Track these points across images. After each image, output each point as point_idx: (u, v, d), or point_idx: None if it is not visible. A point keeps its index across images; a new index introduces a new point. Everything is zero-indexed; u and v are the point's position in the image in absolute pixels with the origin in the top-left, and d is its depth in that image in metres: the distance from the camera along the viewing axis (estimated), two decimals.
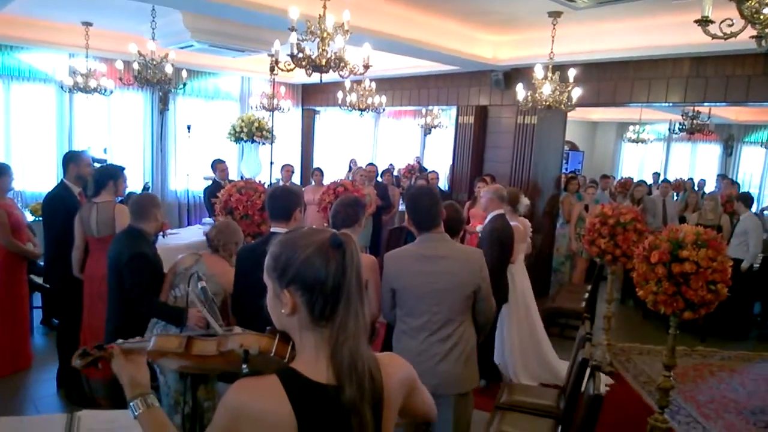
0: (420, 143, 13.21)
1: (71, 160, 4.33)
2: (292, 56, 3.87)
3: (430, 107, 10.91)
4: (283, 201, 2.91)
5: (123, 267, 3.21)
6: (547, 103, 5.71)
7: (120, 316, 3.34)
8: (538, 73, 5.63)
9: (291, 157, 9.96)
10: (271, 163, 7.86)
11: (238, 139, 9.15)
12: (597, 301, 6.52)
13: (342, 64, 3.93)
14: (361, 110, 7.65)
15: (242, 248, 3.17)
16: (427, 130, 12.65)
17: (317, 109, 11.16)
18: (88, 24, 7.23)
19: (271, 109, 8.71)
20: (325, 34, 3.88)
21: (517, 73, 7.25)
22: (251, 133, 9.02)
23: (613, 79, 6.74)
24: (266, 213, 5.07)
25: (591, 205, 7.38)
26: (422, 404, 1.43)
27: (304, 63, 3.86)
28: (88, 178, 4.12)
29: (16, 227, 4.52)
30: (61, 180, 4.39)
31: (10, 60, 7.79)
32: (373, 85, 7.66)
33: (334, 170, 10.35)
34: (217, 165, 7.33)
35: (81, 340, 4.15)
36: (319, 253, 1.18)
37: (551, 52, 5.81)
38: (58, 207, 4.24)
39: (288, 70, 4.01)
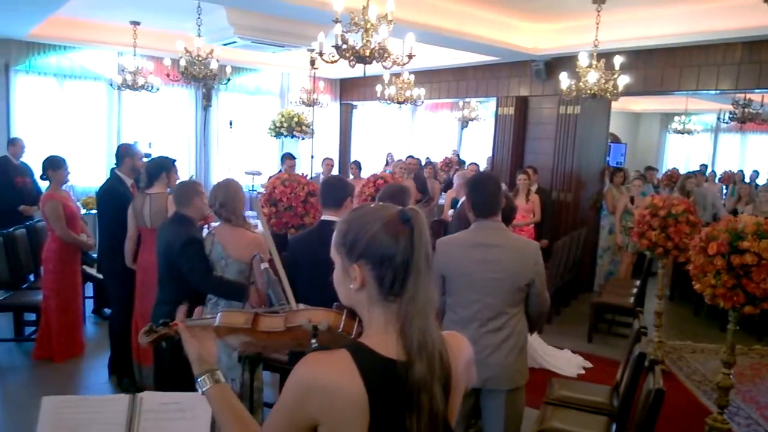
0: (457, 136, 13.14)
1: (127, 152, 4.45)
2: (337, 47, 3.89)
3: (468, 99, 10.82)
4: (337, 189, 2.92)
5: (176, 253, 3.26)
6: (592, 92, 5.60)
7: (173, 299, 3.40)
8: (583, 60, 5.51)
9: (329, 151, 10.04)
10: (312, 156, 7.93)
11: (278, 134, 9.26)
12: (646, 297, 6.36)
13: (386, 55, 3.93)
14: (400, 103, 7.65)
15: (294, 237, 3.20)
16: (464, 123, 12.55)
17: (355, 103, 11.22)
18: (135, 23, 7.43)
19: (311, 103, 8.78)
20: (368, 25, 3.88)
21: (559, 63, 7.12)
22: (291, 128, 9.11)
23: (660, 67, 6.56)
24: (309, 205, 5.20)
25: (637, 198, 7.20)
26: (455, 405, 1.33)
27: (348, 54, 3.87)
28: (141, 171, 4.22)
29: (70, 219, 4.68)
30: (115, 172, 4.53)
31: (64, 59, 8.09)
32: (412, 77, 7.65)
33: (371, 163, 10.38)
34: (286, 159, 7.34)
35: (132, 328, 4.27)
36: (388, 228, 1.17)
37: (596, 39, 5.68)
38: (112, 198, 4.36)
39: (332, 62, 4.03)
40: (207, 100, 9.12)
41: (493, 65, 8.02)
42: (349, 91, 10.99)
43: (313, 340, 1.21)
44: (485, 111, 11.86)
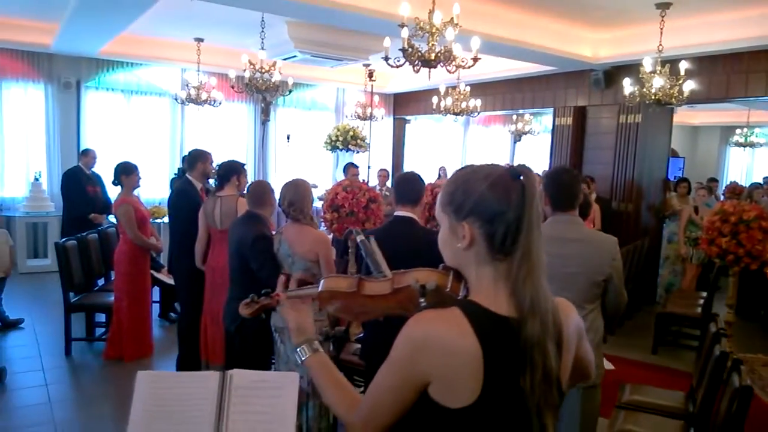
0: (510, 150, 13.04)
1: (198, 158, 4.61)
2: (403, 50, 3.95)
3: (522, 112, 10.76)
4: (414, 184, 2.94)
5: (247, 249, 3.35)
6: (656, 97, 5.49)
7: (245, 296, 3.47)
8: (647, 66, 5.42)
9: (383, 165, 10.13)
10: (369, 167, 8.03)
11: (334, 148, 9.42)
12: (713, 308, 6.11)
13: (451, 58, 3.96)
14: (456, 114, 7.67)
15: (368, 232, 3.22)
16: (517, 136, 12.46)
17: (408, 117, 11.33)
18: (199, 40, 7.73)
19: (366, 117, 8.92)
20: (434, 29, 3.93)
21: (619, 71, 7.02)
22: (347, 141, 9.26)
23: (726, 73, 6.38)
24: (370, 211, 5.25)
25: (701, 208, 6.98)
26: (586, 354, 1.34)
27: (414, 58, 3.93)
28: (211, 175, 4.36)
29: (141, 222, 4.87)
30: (186, 177, 4.69)
31: (130, 76, 8.50)
32: (468, 89, 7.67)
33: (424, 177, 10.37)
34: (350, 168, 7.44)
35: (201, 327, 4.38)
36: (498, 184, 1.15)
37: (659, 44, 5.58)
38: (184, 201, 4.51)
39: (397, 66, 4.09)
40: (265, 114, 9.38)
41: (549, 75, 7.97)
42: (402, 105, 11.11)
43: (422, 299, 1.21)
44: (538, 125, 11.76)
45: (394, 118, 11.27)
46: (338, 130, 9.37)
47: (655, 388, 3.80)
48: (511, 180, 1.16)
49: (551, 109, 8.29)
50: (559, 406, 1.19)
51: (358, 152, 9.55)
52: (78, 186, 6.73)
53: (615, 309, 2.71)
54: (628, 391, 3.56)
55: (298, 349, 1.43)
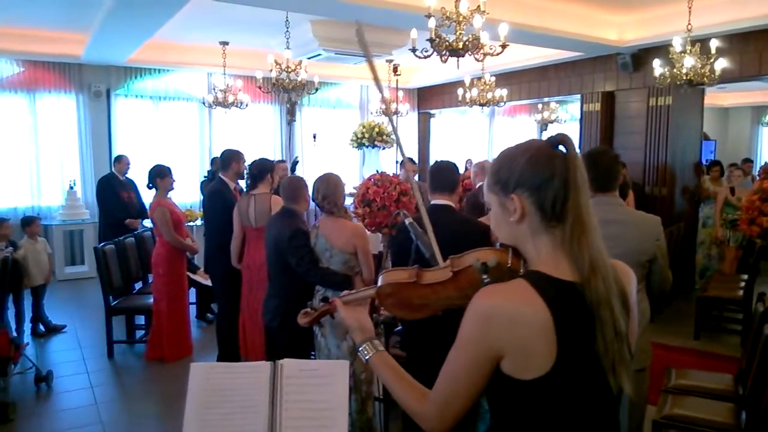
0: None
1: (232, 157, 4.67)
2: (430, 40, 3.94)
3: (548, 100, 10.64)
4: (449, 173, 2.93)
5: (285, 245, 3.37)
6: (688, 78, 5.37)
7: (284, 292, 3.51)
8: (677, 46, 5.31)
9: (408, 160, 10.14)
10: (397, 161, 8.05)
11: (360, 145, 9.45)
12: (754, 291, 5.97)
13: (479, 45, 3.93)
14: (482, 105, 7.61)
15: (397, 227, 3.23)
16: (544, 125, 12.33)
17: (432, 111, 11.30)
18: (224, 43, 7.81)
19: (391, 113, 8.92)
20: (460, 18, 3.91)
21: (647, 54, 6.89)
22: (372, 138, 9.29)
23: (757, 51, 6.21)
24: (401, 204, 5.24)
25: (738, 189, 6.81)
26: (634, 326, 1.28)
27: (441, 47, 3.91)
28: (244, 175, 4.41)
29: (177, 224, 4.94)
30: (219, 177, 4.75)
31: (158, 82, 8.65)
32: (493, 79, 7.61)
33: None
34: (407, 164, 7.31)
35: (240, 326, 4.43)
36: (540, 155, 1.17)
37: (688, 23, 5.46)
38: (218, 202, 4.57)
39: (425, 57, 4.08)
40: (291, 114, 9.45)
41: (575, 61, 7.86)
42: (426, 99, 11.09)
43: (485, 276, 1.21)
44: (564, 112, 11.63)
45: (418, 113, 11.26)
46: (364, 127, 9.39)
47: (702, 372, 3.73)
48: (551, 148, 1.19)
49: (578, 96, 8.17)
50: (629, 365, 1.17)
51: (384, 148, 9.56)
52: (113, 192, 6.86)
53: (660, 290, 2.67)
54: (674, 375, 3.50)
55: (360, 349, 1.46)
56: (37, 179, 8.21)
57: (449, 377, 1.19)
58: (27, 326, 5.51)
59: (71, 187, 8.06)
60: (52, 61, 8.06)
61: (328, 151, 9.89)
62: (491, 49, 4.03)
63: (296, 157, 8.41)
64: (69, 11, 6.42)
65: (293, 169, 8.07)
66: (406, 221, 1.63)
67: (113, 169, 7.19)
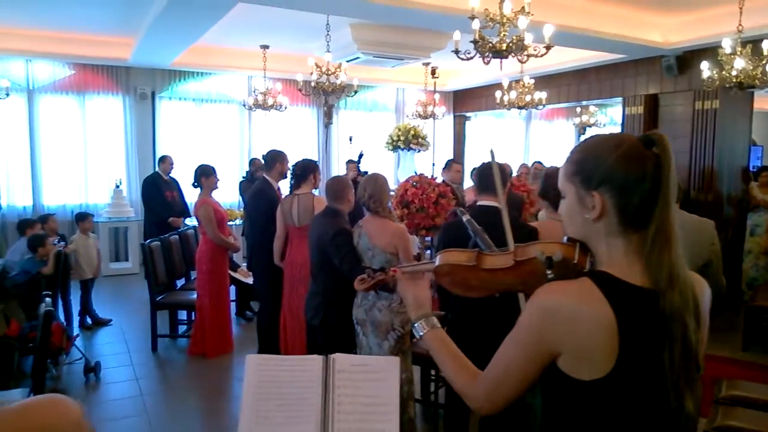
0: (573, 144, 12.71)
1: (276, 158, 4.75)
2: (474, 42, 3.94)
3: (587, 103, 10.49)
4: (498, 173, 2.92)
5: (328, 244, 3.41)
6: (738, 80, 5.23)
7: (327, 290, 3.55)
8: (726, 47, 5.18)
9: (443, 163, 10.11)
10: (433, 164, 8.04)
11: (395, 148, 9.48)
12: None
13: (523, 47, 3.92)
14: (521, 108, 7.56)
15: (447, 223, 3.23)
16: (582, 129, 12.15)
17: (468, 115, 11.26)
18: (265, 47, 7.94)
19: (427, 116, 8.93)
20: (504, 19, 3.90)
21: (693, 56, 6.75)
22: (408, 140, 9.30)
23: None
24: (439, 206, 5.25)
25: None
26: (704, 337, 1.25)
27: (485, 49, 3.91)
28: (288, 175, 4.48)
29: (220, 222, 5.04)
30: (263, 177, 4.83)
31: (200, 85, 8.85)
32: (532, 81, 7.55)
33: None
34: (452, 165, 7.18)
35: (280, 323, 4.49)
36: (632, 154, 1.10)
37: (739, 24, 5.32)
38: (262, 201, 4.66)
39: (468, 59, 4.08)
40: (328, 117, 9.54)
41: (617, 64, 7.73)
42: (462, 102, 11.06)
43: (549, 272, 1.18)
44: (603, 116, 11.44)
45: (454, 116, 11.24)
46: (399, 129, 9.42)
47: (753, 383, 3.62)
48: (644, 149, 1.11)
49: (619, 99, 8.04)
50: (696, 383, 1.13)
51: (419, 151, 9.57)
52: (158, 191, 7.04)
53: (715, 296, 2.60)
54: (724, 387, 3.41)
55: (415, 324, 1.42)
56: (85, 178, 8.48)
57: (502, 363, 1.18)
58: (75, 319, 5.69)
59: (117, 186, 8.29)
60: (101, 64, 8.33)
61: (365, 153, 9.93)
62: (535, 50, 4.00)
63: (361, 151, 8.41)
64: (118, 16, 6.63)
65: (359, 161, 8.06)
66: (464, 218, 1.63)
67: (158, 168, 7.37)
